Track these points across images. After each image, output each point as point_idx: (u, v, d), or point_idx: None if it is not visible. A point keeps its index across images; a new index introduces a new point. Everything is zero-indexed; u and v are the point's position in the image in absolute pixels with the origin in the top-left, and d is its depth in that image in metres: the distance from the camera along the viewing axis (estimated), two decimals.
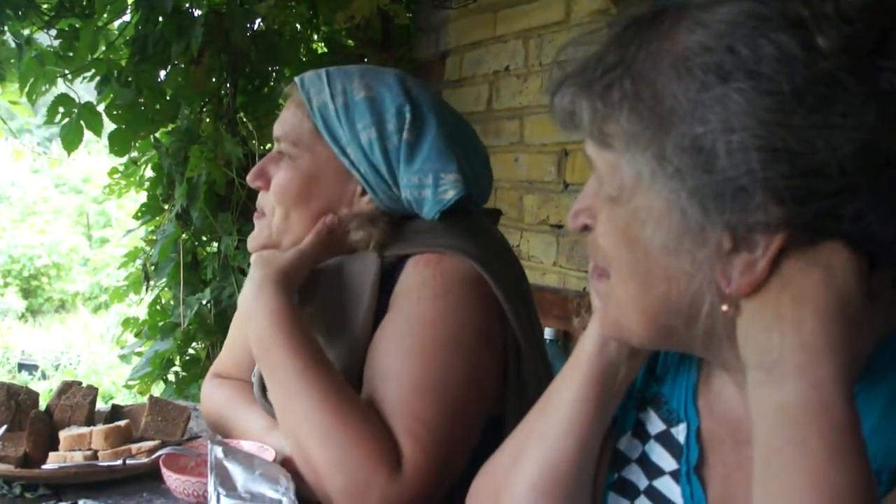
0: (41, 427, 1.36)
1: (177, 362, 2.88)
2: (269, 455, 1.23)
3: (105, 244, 10.07)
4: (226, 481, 1.12)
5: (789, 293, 0.70)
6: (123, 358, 3.04)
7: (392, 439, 1.14)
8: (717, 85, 0.69)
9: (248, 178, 1.38)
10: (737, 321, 0.74)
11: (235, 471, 1.14)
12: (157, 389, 3.00)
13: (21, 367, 6.65)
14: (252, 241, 1.39)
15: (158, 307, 2.91)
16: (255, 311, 1.25)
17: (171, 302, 2.94)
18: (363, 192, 1.31)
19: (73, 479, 1.25)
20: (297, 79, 1.35)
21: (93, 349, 7.39)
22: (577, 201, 0.86)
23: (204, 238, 2.92)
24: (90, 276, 9.61)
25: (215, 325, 2.72)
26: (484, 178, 1.37)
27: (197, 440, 1.38)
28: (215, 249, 2.91)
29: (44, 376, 6.47)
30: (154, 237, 2.94)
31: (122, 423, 1.37)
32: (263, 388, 1.34)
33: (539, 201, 2.60)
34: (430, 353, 1.19)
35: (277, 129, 1.35)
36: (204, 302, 2.70)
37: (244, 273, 2.71)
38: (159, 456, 1.26)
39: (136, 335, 2.99)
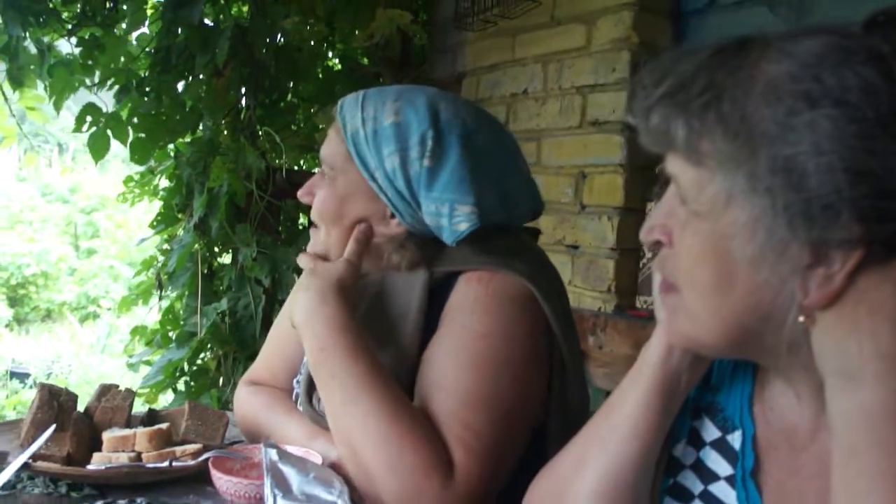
0: (83, 428, 1.37)
1: (187, 372, 2.88)
2: (317, 460, 1.25)
3: (92, 255, 10.04)
4: (281, 483, 1.14)
5: (865, 305, 0.75)
6: (132, 366, 3.04)
7: (444, 447, 1.17)
8: (806, 111, 0.74)
9: (299, 193, 1.44)
10: (812, 332, 0.78)
11: (290, 473, 1.16)
12: (165, 399, 3.01)
13: (12, 374, 6.60)
14: (310, 249, 1.44)
15: (171, 316, 2.91)
16: (316, 319, 1.28)
17: (182, 311, 2.95)
18: (392, 215, 1.35)
19: (123, 479, 1.27)
20: (339, 102, 1.40)
21: (82, 359, 7.35)
22: (651, 217, 0.90)
23: (216, 249, 2.94)
24: (77, 286, 9.56)
25: (230, 335, 2.73)
26: (524, 198, 1.39)
27: (239, 444, 1.40)
28: (228, 260, 2.93)
29: (35, 384, 6.42)
30: (168, 246, 2.95)
31: (163, 426, 1.38)
32: (309, 395, 1.36)
33: (556, 222, 2.64)
34: (482, 367, 1.22)
35: (321, 151, 1.41)
36: (219, 311, 2.72)
37: (260, 284, 2.73)
38: (207, 458, 1.28)
39: (147, 344, 3.00)
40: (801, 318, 0.78)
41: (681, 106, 0.81)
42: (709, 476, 0.97)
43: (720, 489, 0.95)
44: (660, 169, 0.89)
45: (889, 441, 0.71)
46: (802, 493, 0.90)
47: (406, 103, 1.32)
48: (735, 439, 0.96)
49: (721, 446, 0.97)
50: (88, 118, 2.74)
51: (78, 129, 2.75)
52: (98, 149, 2.74)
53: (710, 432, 0.98)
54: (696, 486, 0.97)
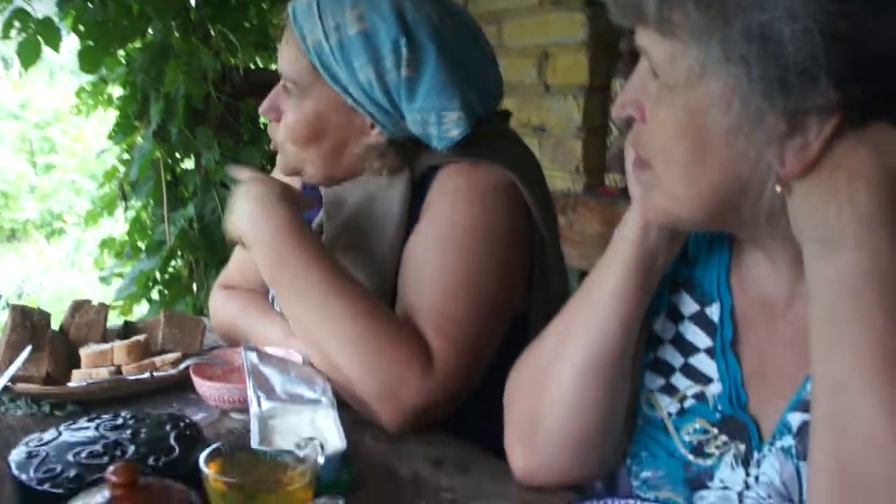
0: (60, 346, 1.36)
1: (160, 281, 2.87)
2: (297, 359, 1.25)
3: (51, 170, 9.83)
4: (263, 385, 1.14)
5: (842, 171, 0.74)
6: (103, 280, 3.01)
7: (422, 339, 1.17)
8: None
9: (261, 110, 1.36)
10: (789, 201, 0.78)
11: (272, 374, 1.16)
12: (140, 310, 3.00)
13: None
14: (280, 169, 1.39)
15: (138, 226, 2.87)
16: (266, 225, 1.25)
17: (149, 221, 2.91)
18: (372, 126, 1.29)
19: (105, 393, 1.27)
20: (289, 9, 1.29)
21: (52, 275, 7.29)
22: (623, 93, 0.87)
23: (178, 155, 2.88)
24: (39, 202, 9.40)
25: (200, 241, 2.71)
26: (494, 84, 1.36)
27: (218, 349, 1.40)
28: (191, 166, 2.87)
29: (7, 305, 6.38)
30: (128, 156, 2.88)
31: (140, 337, 1.38)
32: None
33: (520, 104, 2.60)
34: (464, 257, 1.21)
35: (280, 64, 1.32)
36: (187, 218, 2.68)
37: (226, 187, 2.68)
38: (187, 367, 1.28)
39: (117, 256, 2.96)
40: (779, 188, 0.78)
41: None
42: (688, 349, 0.98)
43: (700, 361, 0.96)
44: (624, 45, 0.86)
45: (869, 304, 0.71)
46: (780, 361, 0.91)
47: (367, 7, 1.24)
48: (713, 311, 0.96)
49: (699, 319, 0.98)
50: (17, 24, 2.61)
51: (6, 35, 2.63)
52: (28, 56, 2.62)
53: (689, 306, 0.99)
54: (677, 360, 0.98)
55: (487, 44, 1.37)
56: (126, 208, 2.92)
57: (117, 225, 3.09)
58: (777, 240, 0.86)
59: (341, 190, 1.38)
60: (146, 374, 1.29)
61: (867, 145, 0.74)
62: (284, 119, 1.32)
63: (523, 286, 1.30)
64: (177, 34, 2.77)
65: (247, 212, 1.28)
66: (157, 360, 1.34)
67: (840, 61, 0.71)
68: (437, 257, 1.22)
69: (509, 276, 1.26)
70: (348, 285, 1.22)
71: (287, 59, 1.30)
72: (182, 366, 1.30)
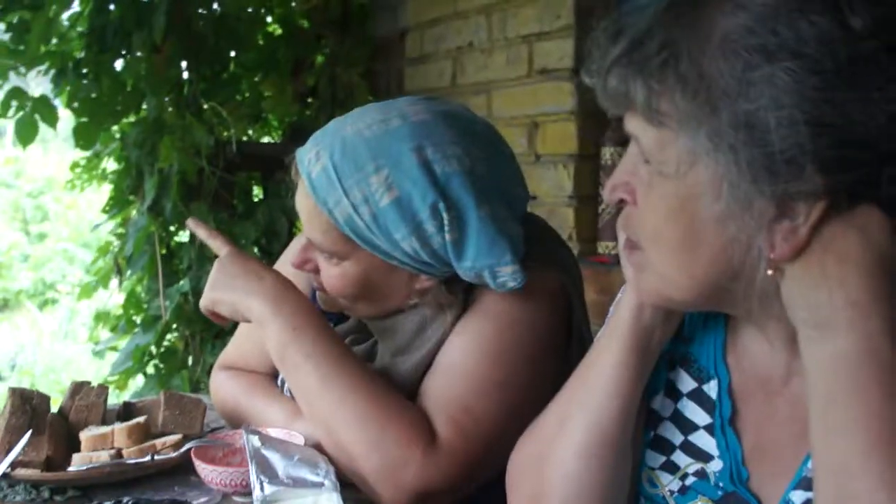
0: (60, 430, 1.36)
1: (155, 355, 2.86)
2: (299, 441, 1.25)
3: (45, 239, 9.84)
4: (266, 468, 1.14)
5: (832, 254, 0.76)
6: (98, 354, 3.00)
7: (428, 422, 1.17)
8: (764, 65, 0.74)
9: (294, 264, 1.31)
10: (781, 284, 0.80)
11: (274, 457, 1.16)
12: (135, 384, 2.99)
13: None
14: (322, 303, 1.35)
15: (133, 300, 2.88)
16: (284, 302, 1.26)
17: (144, 294, 2.91)
18: (418, 275, 1.26)
19: (106, 478, 1.26)
20: (304, 178, 1.23)
21: (46, 346, 7.24)
22: (614, 176, 0.90)
23: (172, 228, 2.90)
24: (32, 272, 9.38)
25: (195, 315, 2.71)
26: (522, 185, 1.33)
27: (219, 431, 1.40)
28: (185, 239, 2.89)
29: (0, 378, 6.33)
30: (123, 230, 2.90)
31: (141, 419, 1.38)
32: None
33: None
34: (499, 355, 1.21)
35: (309, 232, 1.27)
36: (182, 292, 2.69)
37: None
38: (189, 449, 1.27)
39: (112, 330, 2.96)
40: (770, 272, 0.79)
41: (638, 66, 0.80)
42: (688, 426, 0.98)
43: (700, 438, 0.97)
44: (612, 114, 0.89)
45: (865, 386, 0.72)
46: (780, 437, 0.92)
47: (393, 169, 1.17)
48: (711, 388, 0.97)
49: (698, 396, 0.98)
50: (14, 103, 2.65)
51: (3, 114, 2.68)
52: (25, 134, 2.67)
53: (687, 383, 1.00)
54: (677, 437, 0.99)
55: (504, 143, 1.34)
56: (121, 282, 2.93)
57: (112, 296, 3.09)
58: (772, 319, 0.88)
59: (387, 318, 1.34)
60: (147, 458, 1.29)
61: (855, 228, 0.76)
62: (328, 281, 1.28)
63: (554, 390, 1.29)
64: (170, 109, 2.81)
65: (259, 291, 1.27)
66: (159, 442, 1.33)
67: (825, 149, 0.73)
68: (474, 350, 1.22)
69: (540, 379, 1.23)
70: (356, 362, 1.23)
71: (318, 231, 1.24)
72: (183, 448, 1.30)
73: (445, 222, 1.16)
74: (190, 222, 1.44)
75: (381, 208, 1.17)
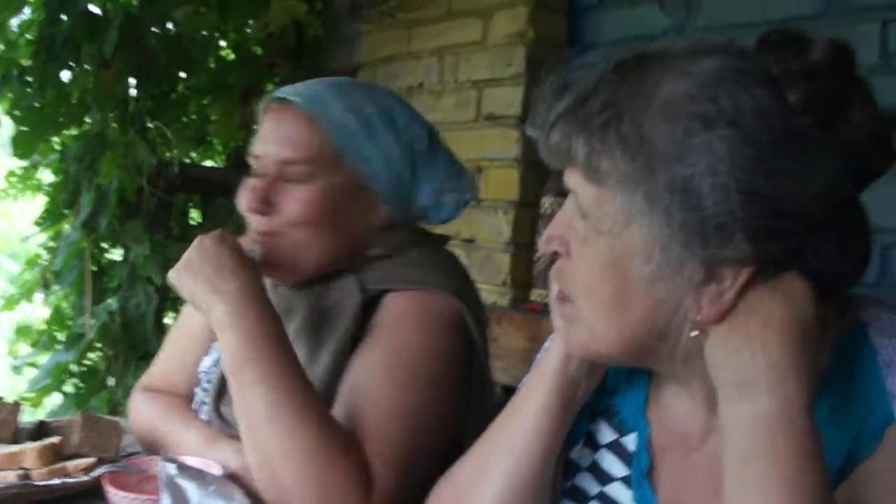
0: None
1: (76, 374, 2.78)
2: (216, 470, 1.23)
3: None
4: (179, 499, 1.11)
5: (756, 318, 0.78)
6: (16, 369, 2.90)
7: (365, 461, 1.16)
8: (703, 131, 0.77)
9: (249, 207, 1.30)
10: (705, 345, 0.82)
11: (189, 487, 1.14)
12: (52, 402, 2.90)
13: None
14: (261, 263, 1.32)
15: (58, 316, 2.80)
16: (244, 320, 1.20)
17: (69, 311, 2.84)
18: (378, 203, 1.34)
19: (11, 500, 1.22)
20: (292, 97, 1.31)
21: None
22: (550, 227, 0.91)
23: (104, 245, 2.84)
24: None
25: (121, 336, 2.65)
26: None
27: (135, 456, 1.36)
28: (118, 258, 2.83)
29: None
30: (54, 244, 2.83)
31: (54, 440, 1.34)
32: (217, 403, 1.34)
33: None
34: (408, 383, 1.23)
35: (283, 149, 1.29)
36: (110, 311, 2.62)
37: (152, 283, 2.64)
38: (101, 474, 1.24)
39: (33, 345, 2.87)
40: (695, 333, 0.82)
41: (581, 123, 0.82)
42: (605, 477, 0.99)
43: (616, 490, 0.98)
44: (553, 167, 0.90)
45: (780, 448, 0.74)
46: (696, 492, 0.93)
47: (373, 94, 1.37)
48: (630, 441, 0.99)
49: (616, 448, 1.00)
50: None
51: None
52: None
53: (606, 435, 1.01)
54: (593, 488, 1.00)
55: None
56: (47, 296, 2.85)
57: (35, 311, 3.00)
58: (694, 377, 0.90)
59: (291, 297, 1.37)
60: (56, 480, 1.25)
61: (779, 294, 0.79)
62: (294, 204, 1.28)
63: (461, 412, 1.31)
64: (114, 125, 2.77)
65: (221, 305, 1.21)
66: (70, 464, 1.29)
67: (755, 217, 0.76)
68: (381, 380, 1.23)
69: (447, 402, 1.27)
70: (310, 394, 1.19)
71: (295, 141, 1.29)
72: (95, 472, 1.26)
73: (420, 133, 1.35)
74: None
75: (369, 113, 1.31)
